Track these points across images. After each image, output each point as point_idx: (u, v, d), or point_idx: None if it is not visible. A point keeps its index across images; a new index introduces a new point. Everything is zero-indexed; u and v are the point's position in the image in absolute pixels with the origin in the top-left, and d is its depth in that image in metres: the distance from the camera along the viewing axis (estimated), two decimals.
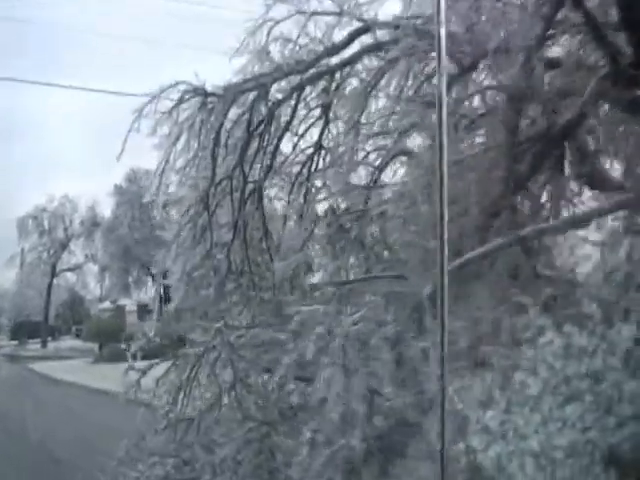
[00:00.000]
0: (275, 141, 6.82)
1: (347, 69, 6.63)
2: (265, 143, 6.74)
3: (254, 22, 6.71)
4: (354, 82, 6.56)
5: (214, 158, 6.42)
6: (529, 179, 4.85)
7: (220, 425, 4.80)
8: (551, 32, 5.29)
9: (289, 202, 6.95)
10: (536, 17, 4.89)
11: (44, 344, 44.54)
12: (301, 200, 6.81)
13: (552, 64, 5.34)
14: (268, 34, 6.73)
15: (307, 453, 3.42)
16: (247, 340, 5.00)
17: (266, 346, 4.99)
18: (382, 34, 6.40)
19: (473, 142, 5.13)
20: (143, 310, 40.14)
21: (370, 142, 6.63)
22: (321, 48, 6.57)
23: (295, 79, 6.66)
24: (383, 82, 6.28)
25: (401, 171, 6.44)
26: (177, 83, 6.34)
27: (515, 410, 3.00)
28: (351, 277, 4.22)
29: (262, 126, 6.70)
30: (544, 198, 5.56)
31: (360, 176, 6.45)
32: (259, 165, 6.91)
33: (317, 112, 7.07)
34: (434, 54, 5.98)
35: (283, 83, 6.69)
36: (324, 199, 6.41)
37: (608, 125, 5.86)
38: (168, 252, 6.94)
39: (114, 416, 14.20)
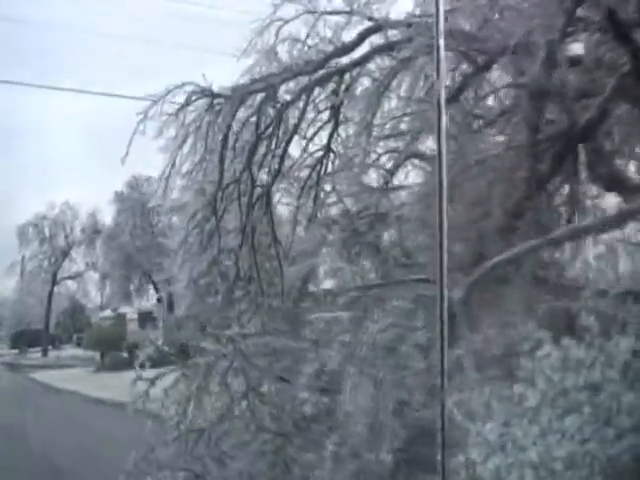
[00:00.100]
0: (283, 144, 6.68)
1: (357, 70, 6.50)
2: (273, 146, 6.60)
3: (261, 22, 6.58)
4: (365, 82, 6.42)
5: (222, 161, 6.26)
6: (549, 180, 4.69)
7: (232, 436, 4.61)
8: (571, 29, 5.14)
9: (298, 207, 6.79)
10: (557, 13, 4.75)
11: (45, 353, 44.27)
12: (310, 204, 6.66)
13: (572, 62, 5.18)
14: (276, 34, 6.60)
15: (330, 467, 3.23)
16: (258, 348, 4.83)
17: (278, 354, 4.82)
18: (393, 34, 6.27)
19: (491, 141, 4.97)
20: (144, 318, 39.96)
21: (381, 144, 6.48)
22: (331, 48, 6.43)
23: (304, 80, 6.52)
24: (395, 83, 6.14)
25: (412, 174, 6.30)
26: (183, 84, 6.19)
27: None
28: (367, 282, 4.04)
29: (270, 129, 6.55)
30: (560, 199, 5.39)
31: (371, 179, 6.31)
32: (267, 169, 6.78)
33: (326, 115, 6.94)
34: (448, 53, 5.90)
35: (291, 84, 6.55)
36: (334, 203, 6.24)
37: (625, 125, 5.71)
38: (174, 259, 6.79)
39: (117, 426, 14.03)
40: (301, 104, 6.62)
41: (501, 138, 4.81)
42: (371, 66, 6.21)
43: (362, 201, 4.87)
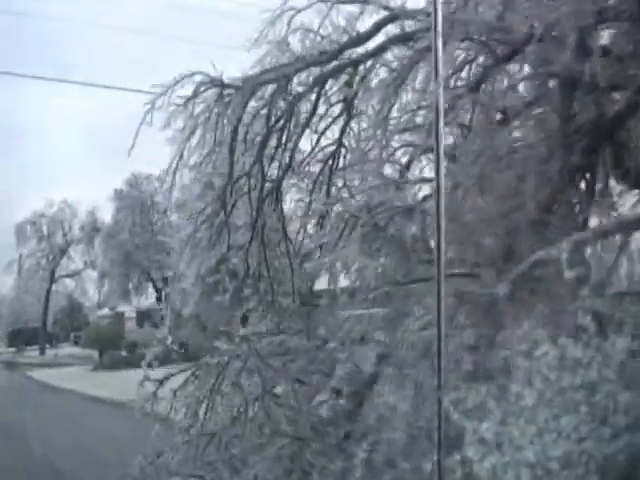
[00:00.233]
0: (295, 137, 6.48)
1: (372, 61, 6.29)
2: (284, 139, 6.40)
3: (272, 12, 6.37)
4: (381, 74, 6.20)
5: (232, 154, 6.05)
6: (582, 172, 4.49)
7: (246, 441, 4.39)
8: (600, 18, 4.95)
9: (310, 202, 6.59)
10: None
11: (42, 351, 44.04)
12: (323, 199, 6.46)
13: (602, 52, 4.98)
14: (288, 24, 6.39)
15: (361, 476, 3.01)
16: (272, 348, 4.62)
17: (292, 354, 4.61)
18: (410, 24, 6.07)
19: (518, 134, 4.77)
20: (142, 317, 39.79)
21: (396, 138, 6.27)
22: (345, 38, 6.23)
23: (316, 72, 6.32)
24: (412, 74, 5.93)
25: (427, 169, 6.10)
26: (193, 74, 5.98)
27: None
28: (392, 278, 3.83)
29: (281, 121, 6.35)
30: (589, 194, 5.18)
31: (386, 174, 6.11)
32: (277, 163, 6.59)
33: (338, 108, 6.75)
34: (468, 43, 5.70)
35: (303, 76, 6.35)
36: (346, 198, 6.04)
37: None
38: (181, 255, 6.58)
39: (117, 426, 13.85)
40: (313, 96, 6.43)
41: (527, 130, 4.60)
42: (388, 56, 5.98)
43: (381, 195, 4.65)
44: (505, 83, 5.36)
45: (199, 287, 6.18)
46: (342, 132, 6.76)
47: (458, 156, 4.44)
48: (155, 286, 38.92)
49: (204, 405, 4.80)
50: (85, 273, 47.47)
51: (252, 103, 6.25)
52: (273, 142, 6.39)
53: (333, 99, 6.64)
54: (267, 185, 6.43)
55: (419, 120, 6.27)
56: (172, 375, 5.04)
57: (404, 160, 6.13)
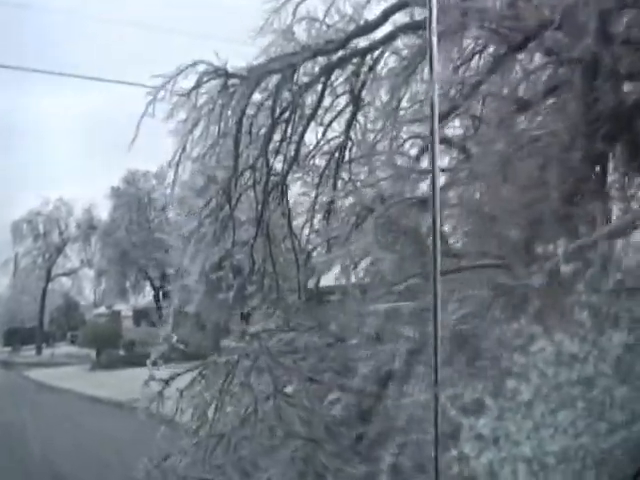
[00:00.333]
0: (300, 129, 6.31)
1: (379, 50, 6.13)
2: (290, 131, 6.23)
3: (276, 0, 6.20)
4: (390, 63, 6.03)
5: (236, 146, 5.87)
6: (600, 162, 4.33)
7: (256, 443, 4.22)
8: (620, 3, 4.79)
9: (316, 196, 6.43)
10: None
11: (39, 350, 43.78)
12: (329, 193, 6.30)
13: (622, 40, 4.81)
14: (293, 13, 6.22)
15: None
16: (282, 346, 4.46)
17: (303, 352, 4.45)
18: (419, 12, 5.90)
19: (536, 123, 4.60)
20: (139, 315, 39.60)
21: (405, 129, 6.11)
22: (352, 27, 6.06)
23: (322, 62, 6.16)
24: (422, 64, 5.76)
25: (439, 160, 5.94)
26: (195, 63, 5.80)
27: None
28: (409, 272, 3.66)
29: (287, 113, 6.19)
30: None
31: (395, 165, 5.95)
32: (282, 157, 6.42)
33: (344, 100, 6.58)
34: (478, 32, 5.54)
35: (309, 66, 6.19)
36: (360, 189, 5.87)
37: None
38: (184, 251, 6.40)
39: (116, 425, 13.69)
40: (319, 87, 6.26)
41: (548, 119, 4.44)
42: (397, 44, 5.81)
43: (395, 186, 4.48)
44: (518, 71, 5.21)
45: (203, 284, 5.98)
46: (349, 124, 6.60)
47: (474, 146, 4.28)
48: (152, 284, 38.70)
49: (212, 405, 4.64)
50: (82, 272, 47.23)
51: (257, 95, 6.08)
52: (278, 134, 6.23)
53: (339, 90, 6.48)
54: (272, 179, 6.27)
55: (428, 111, 6.11)
56: (179, 375, 4.88)
57: (414, 152, 5.98)
